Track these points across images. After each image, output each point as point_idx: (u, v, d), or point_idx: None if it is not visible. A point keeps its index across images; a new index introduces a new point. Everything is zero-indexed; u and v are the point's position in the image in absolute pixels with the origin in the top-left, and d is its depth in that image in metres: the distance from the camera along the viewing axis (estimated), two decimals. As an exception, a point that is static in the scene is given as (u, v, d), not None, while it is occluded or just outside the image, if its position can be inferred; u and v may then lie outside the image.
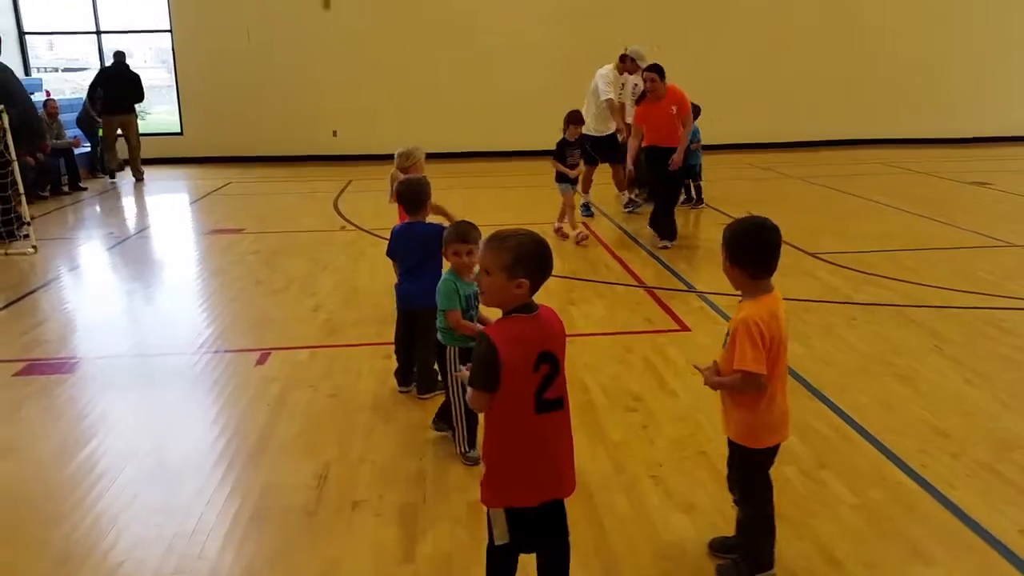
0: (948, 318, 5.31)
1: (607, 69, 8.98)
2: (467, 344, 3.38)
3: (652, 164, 7.60)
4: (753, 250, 2.52)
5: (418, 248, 4.08)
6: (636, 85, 8.59)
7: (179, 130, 14.46)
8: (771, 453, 2.66)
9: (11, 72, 8.50)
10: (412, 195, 4.16)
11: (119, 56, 12.24)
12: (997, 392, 4.16)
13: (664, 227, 7.53)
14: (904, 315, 5.36)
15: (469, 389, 2.25)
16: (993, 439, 3.66)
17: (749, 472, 2.68)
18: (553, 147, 8.23)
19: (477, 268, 2.62)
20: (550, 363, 2.24)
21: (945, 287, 5.95)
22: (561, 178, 7.77)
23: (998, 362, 4.55)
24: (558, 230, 7.83)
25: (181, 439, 3.79)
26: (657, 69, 7.27)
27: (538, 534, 2.38)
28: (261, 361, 4.72)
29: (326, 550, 2.89)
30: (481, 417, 2.36)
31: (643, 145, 7.54)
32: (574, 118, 7.78)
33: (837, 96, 14.39)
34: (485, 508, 2.36)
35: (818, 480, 3.35)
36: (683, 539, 2.95)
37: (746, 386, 2.52)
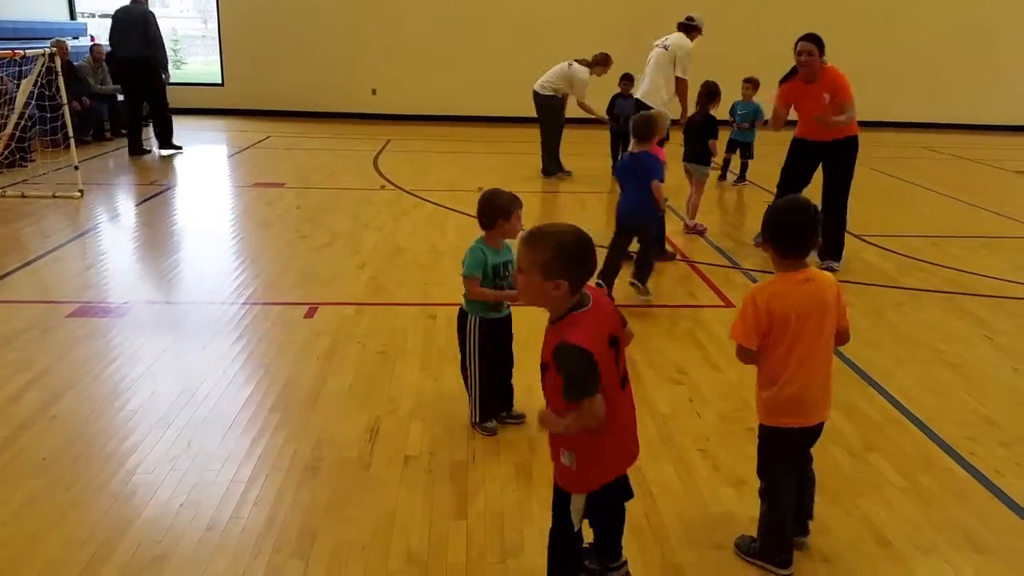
0: (996, 307, 5.25)
1: (682, 39, 7.83)
2: (488, 315, 3.43)
3: (794, 160, 6.11)
4: (781, 229, 2.52)
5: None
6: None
7: (220, 81, 14.49)
8: (786, 437, 2.59)
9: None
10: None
11: None
12: (1047, 384, 4.13)
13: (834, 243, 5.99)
14: (952, 302, 5.31)
15: (585, 403, 2.11)
16: (1043, 430, 3.64)
17: (761, 449, 2.68)
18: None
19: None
20: (616, 343, 2.26)
21: (992, 276, 5.88)
22: (703, 158, 6.96)
23: (1048, 354, 4.51)
24: (693, 227, 6.98)
25: (234, 388, 3.85)
26: (815, 40, 5.69)
27: (610, 505, 2.40)
28: (309, 315, 4.78)
29: (381, 502, 2.94)
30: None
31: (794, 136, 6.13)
32: (715, 91, 6.87)
33: (885, 78, 14.09)
34: (557, 494, 2.36)
35: (866, 462, 3.35)
36: (731, 512, 2.97)
37: (739, 355, 2.59)
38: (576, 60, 9.22)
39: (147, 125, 10.99)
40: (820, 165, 6.03)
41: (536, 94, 9.29)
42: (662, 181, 5.03)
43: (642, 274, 5.18)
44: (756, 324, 2.50)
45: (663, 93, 7.83)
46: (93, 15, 16.67)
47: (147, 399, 3.70)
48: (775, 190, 6.22)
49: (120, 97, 11.14)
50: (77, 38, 12.97)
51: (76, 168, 7.84)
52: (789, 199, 2.63)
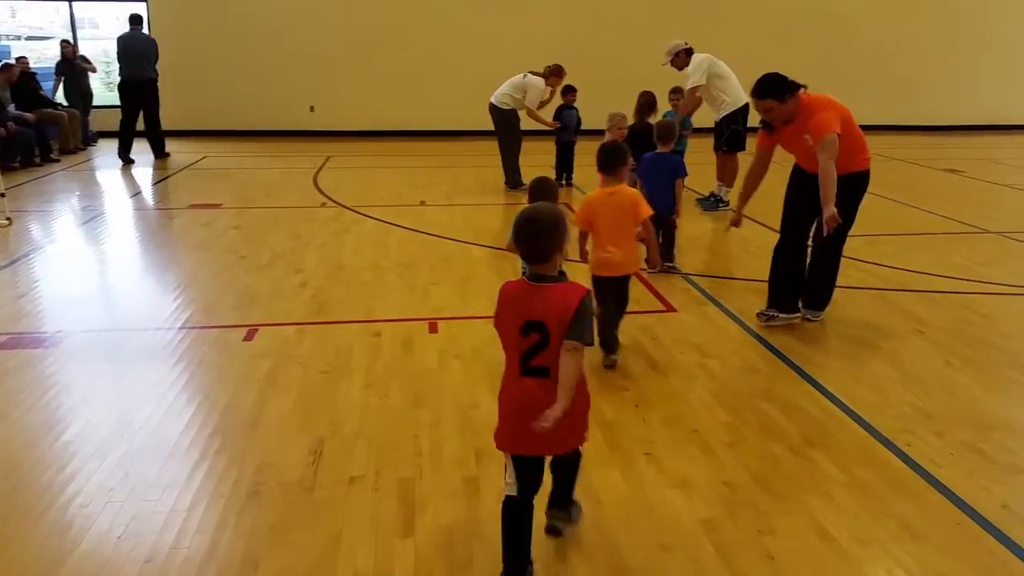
0: (929, 303, 5.41)
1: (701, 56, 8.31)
2: None
3: (793, 193, 4.98)
4: (602, 156, 4.25)
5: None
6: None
7: (153, 102, 14.20)
8: (598, 281, 4.27)
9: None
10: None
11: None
12: (977, 375, 4.26)
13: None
14: (886, 299, 5.45)
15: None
16: (975, 419, 3.75)
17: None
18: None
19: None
20: (539, 332, 2.42)
21: (925, 272, 6.06)
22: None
23: (978, 346, 4.66)
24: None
25: (172, 415, 3.76)
26: (772, 91, 4.54)
27: None
28: (249, 337, 4.70)
29: (326, 525, 2.89)
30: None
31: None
32: (653, 102, 7.72)
33: (810, 81, 14.49)
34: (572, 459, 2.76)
35: (807, 458, 3.41)
36: (678, 513, 2.99)
37: (580, 237, 4.25)
38: (531, 72, 9.29)
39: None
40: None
41: (494, 108, 9.30)
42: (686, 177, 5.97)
43: (670, 255, 6.09)
44: (584, 217, 4.20)
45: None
46: (19, 37, 16.25)
47: (83, 429, 3.59)
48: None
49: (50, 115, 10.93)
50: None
51: (2, 195, 7.60)
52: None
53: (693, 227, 7.77)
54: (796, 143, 4.64)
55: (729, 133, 8.27)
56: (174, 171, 10.86)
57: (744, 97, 8.00)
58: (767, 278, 5.06)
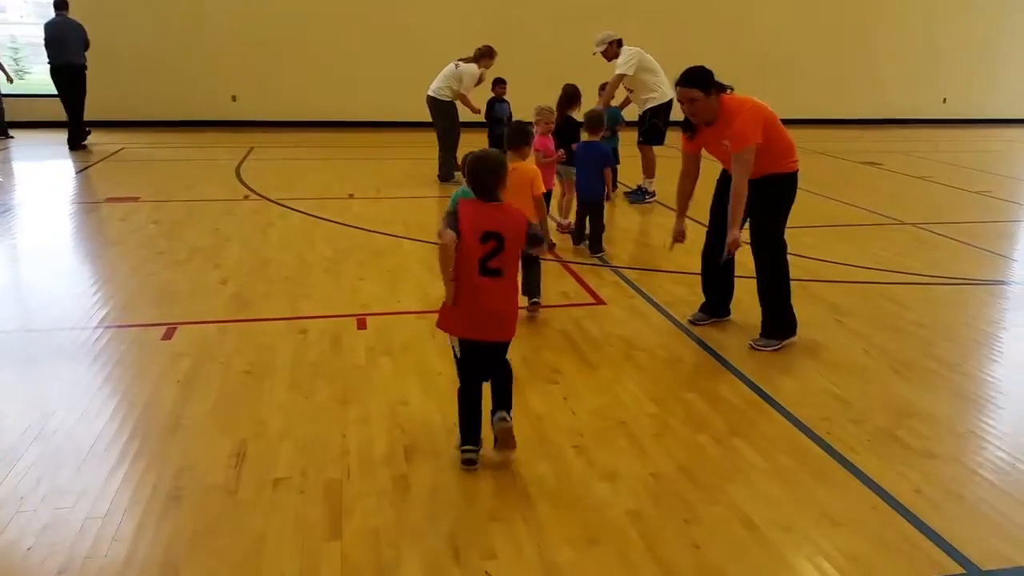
0: (848, 292, 5.58)
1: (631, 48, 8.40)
2: None
3: (717, 197, 4.77)
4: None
5: None
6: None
7: (66, 91, 13.65)
8: None
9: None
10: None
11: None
12: (893, 363, 4.41)
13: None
14: (807, 290, 5.59)
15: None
16: (891, 406, 3.88)
17: None
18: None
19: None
20: (496, 240, 3.06)
21: (844, 263, 6.24)
22: (570, 160, 6.81)
23: (893, 334, 4.82)
24: (566, 226, 5.81)
25: (88, 418, 3.61)
26: (697, 80, 4.35)
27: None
28: (168, 336, 4.55)
29: (249, 529, 2.82)
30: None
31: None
32: (575, 96, 7.62)
33: (735, 75, 14.78)
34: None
35: (731, 447, 3.48)
36: (606, 506, 3.01)
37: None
38: (460, 59, 9.26)
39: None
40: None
41: (433, 100, 9.26)
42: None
43: (597, 245, 6.34)
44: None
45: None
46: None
47: (-11, 437, 3.42)
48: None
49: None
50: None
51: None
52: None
53: (622, 220, 7.86)
54: (718, 147, 4.50)
55: (648, 126, 8.44)
56: (91, 163, 10.46)
57: (670, 93, 8.11)
58: (696, 271, 5.06)
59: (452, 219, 3.07)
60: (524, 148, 4.96)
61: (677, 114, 5.13)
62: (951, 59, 16.50)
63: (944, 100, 16.91)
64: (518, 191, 4.41)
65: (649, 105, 8.39)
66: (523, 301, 4.70)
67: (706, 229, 4.86)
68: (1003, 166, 12.15)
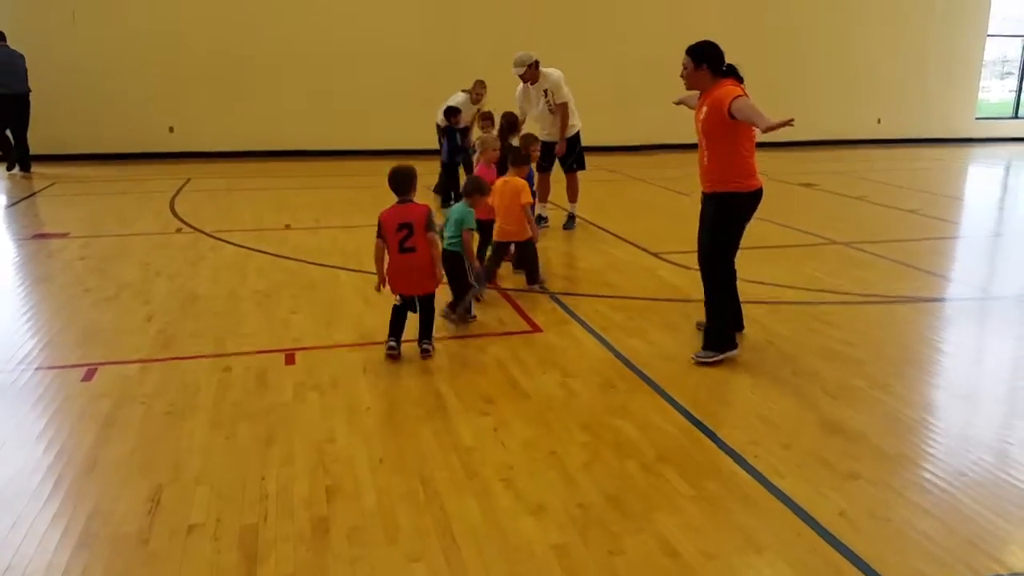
0: (778, 313, 5.64)
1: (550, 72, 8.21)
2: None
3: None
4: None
5: None
6: (547, 91, 8.13)
7: (-4, 125, 13.32)
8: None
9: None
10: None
11: None
12: (823, 383, 4.44)
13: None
14: (739, 311, 5.64)
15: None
16: (818, 428, 3.90)
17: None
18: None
19: None
20: (408, 229, 4.62)
21: (776, 283, 6.32)
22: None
23: (823, 354, 4.87)
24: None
25: (-4, 466, 3.47)
26: (694, 49, 4.94)
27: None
28: (88, 377, 4.41)
29: (159, 579, 2.72)
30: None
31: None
32: (515, 123, 7.90)
33: (663, 100, 15.03)
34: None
35: (658, 474, 3.46)
36: (531, 542, 2.97)
37: None
38: (461, 90, 9.95)
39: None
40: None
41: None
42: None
43: (533, 276, 6.24)
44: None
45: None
46: None
47: None
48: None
49: None
50: None
51: None
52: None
53: (560, 246, 7.87)
54: (698, 114, 4.84)
55: (579, 152, 8.44)
56: (20, 198, 10.18)
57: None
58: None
59: (379, 225, 4.72)
60: (524, 167, 6.30)
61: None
62: (885, 80, 16.99)
63: (879, 120, 17.37)
64: (511, 199, 5.99)
65: (576, 130, 8.41)
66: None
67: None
68: (934, 184, 12.50)
